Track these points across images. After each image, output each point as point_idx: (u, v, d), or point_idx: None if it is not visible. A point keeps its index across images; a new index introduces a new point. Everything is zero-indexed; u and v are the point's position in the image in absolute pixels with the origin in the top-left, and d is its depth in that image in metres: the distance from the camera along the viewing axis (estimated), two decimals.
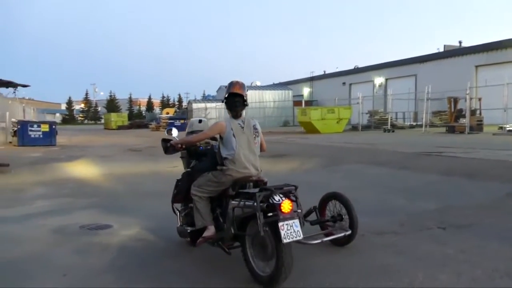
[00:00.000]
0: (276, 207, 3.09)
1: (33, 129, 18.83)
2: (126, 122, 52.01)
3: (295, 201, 3.28)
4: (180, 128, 31.59)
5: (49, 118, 56.98)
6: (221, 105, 37.71)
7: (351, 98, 36.39)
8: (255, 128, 3.90)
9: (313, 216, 4.01)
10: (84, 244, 4.58)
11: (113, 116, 52.77)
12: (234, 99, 3.87)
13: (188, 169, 4.25)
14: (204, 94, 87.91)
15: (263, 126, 24.79)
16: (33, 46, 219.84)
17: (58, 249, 4.42)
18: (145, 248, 4.40)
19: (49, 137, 19.03)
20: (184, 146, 4.07)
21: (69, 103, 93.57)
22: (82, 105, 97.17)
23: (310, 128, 23.76)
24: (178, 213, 4.33)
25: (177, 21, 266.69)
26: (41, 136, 18.86)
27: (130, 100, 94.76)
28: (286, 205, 3.09)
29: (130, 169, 10.71)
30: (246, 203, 3.29)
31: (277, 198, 3.15)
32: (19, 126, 18.84)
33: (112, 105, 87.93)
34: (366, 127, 26.87)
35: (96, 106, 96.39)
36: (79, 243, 4.60)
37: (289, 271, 3.08)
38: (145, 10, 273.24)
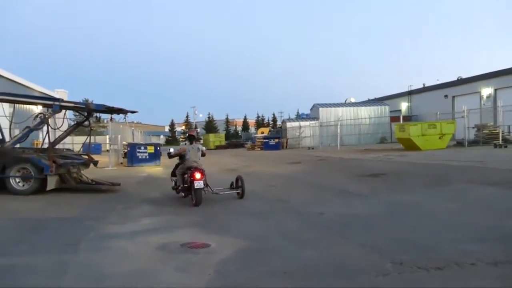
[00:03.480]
0: (194, 176, 8.57)
1: (140, 150, 20.47)
2: (223, 142, 54.24)
3: (203, 174, 8.72)
4: (275, 147, 31.56)
5: (154, 140, 61.30)
6: (315, 123, 37.69)
7: (454, 112, 33.91)
8: (198, 149, 9.37)
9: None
10: (184, 262, 4.79)
11: (211, 136, 55.53)
12: (190, 136, 9.67)
13: (177, 163, 9.80)
14: (297, 112, 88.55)
15: (359, 143, 24.41)
16: (142, 75, 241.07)
17: (161, 266, 4.68)
18: (240, 269, 4.47)
19: (154, 158, 20.52)
20: (174, 154, 9.70)
21: (172, 125, 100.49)
22: (183, 127, 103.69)
23: (409, 145, 22.57)
24: (173, 180, 9.87)
25: (269, 43, 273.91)
26: (147, 157, 20.41)
27: (227, 121, 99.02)
28: (197, 175, 8.56)
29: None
30: (187, 175, 8.95)
31: (195, 172, 8.62)
32: (128, 148, 20.61)
33: (210, 126, 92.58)
34: (473, 143, 24.73)
35: (196, 127, 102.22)
36: (180, 262, 4.82)
37: (200, 199, 8.43)
38: (237, 37, 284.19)
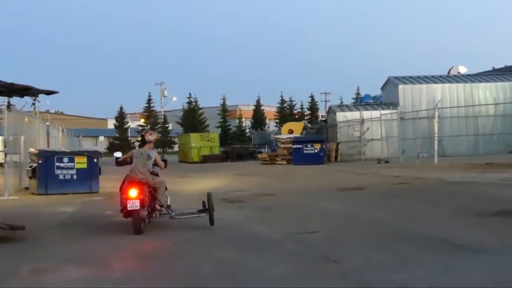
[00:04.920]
0: (127, 193, 11.39)
1: (62, 165, 20.59)
2: (218, 150, 54.17)
3: (144, 190, 11.51)
4: (314, 158, 31.84)
5: (87, 144, 61.62)
6: (390, 114, 37.53)
7: None
8: (148, 156, 12.31)
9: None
10: None
11: (194, 138, 55.22)
12: (142, 139, 12.82)
13: (127, 174, 12.36)
14: (357, 94, 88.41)
15: (474, 152, 25.46)
16: (70, 37, 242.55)
17: None
18: None
19: (87, 179, 20.74)
20: (122, 159, 13.17)
21: (121, 117, 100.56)
22: (142, 121, 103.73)
23: None
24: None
25: None
26: (75, 176, 20.56)
27: (224, 110, 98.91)
28: (131, 191, 11.27)
29: (224, 237, 11.09)
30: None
31: (130, 187, 11.43)
32: (40, 161, 20.65)
33: (192, 118, 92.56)
34: None
35: (165, 121, 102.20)
36: None
37: (137, 227, 11.33)
38: None
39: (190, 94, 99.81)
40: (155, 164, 12.52)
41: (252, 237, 11.10)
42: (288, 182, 23.37)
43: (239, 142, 78.07)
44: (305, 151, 36.64)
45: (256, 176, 28.76)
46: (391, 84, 41.95)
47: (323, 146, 37.36)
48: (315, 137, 42.42)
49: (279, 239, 10.60)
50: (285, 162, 38.58)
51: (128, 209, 11.09)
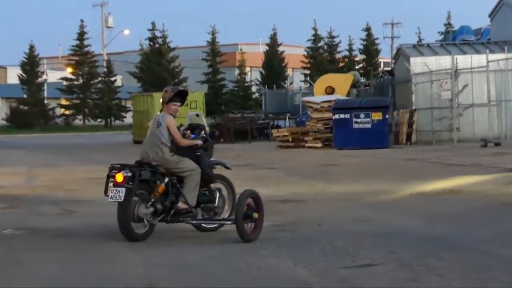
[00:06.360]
0: (112, 176, 14.14)
1: None
2: (205, 123, 54.45)
3: (132, 177, 13.57)
4: (371, 138, 32.66)
5: None
6: (506, 63, 37.28)
7: None
8: (158, 122, 14.51)
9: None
10: None
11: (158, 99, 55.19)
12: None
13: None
14: (447, 26, 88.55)
15: None
16: None
17: None
18: None
19: None
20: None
21: (31, 64, 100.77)
22: (68, 71, 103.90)
23: None
24: None
25: None
26: None
27: (214, 53, 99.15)
28: (118, 177, 13.59)
29: (217, 279, 11.12)
30: None
31: (118, 172, 13.98)
32: None
33: (157, 65, 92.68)
34: None
35: (110, 72, 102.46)
36: None
37: (121, 224, 13.64)
38: None
39: (154, 24, 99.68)
40: (170, 137, 14.20)
41: (265, 276, 10.87)
42: (324, 180, 23.47)
43: (240, 109, 77.99)
44: (356, 125, 36.28)
45: (269, 169, 28.92)
46: (506, 8, 41.69)
47: (387, 116, 36.86)
48: (373, 100, 42.06)
49: (310, 279, 10.53)
50: (319, 144, 38.51)
51: (109, 199, 13.09)
